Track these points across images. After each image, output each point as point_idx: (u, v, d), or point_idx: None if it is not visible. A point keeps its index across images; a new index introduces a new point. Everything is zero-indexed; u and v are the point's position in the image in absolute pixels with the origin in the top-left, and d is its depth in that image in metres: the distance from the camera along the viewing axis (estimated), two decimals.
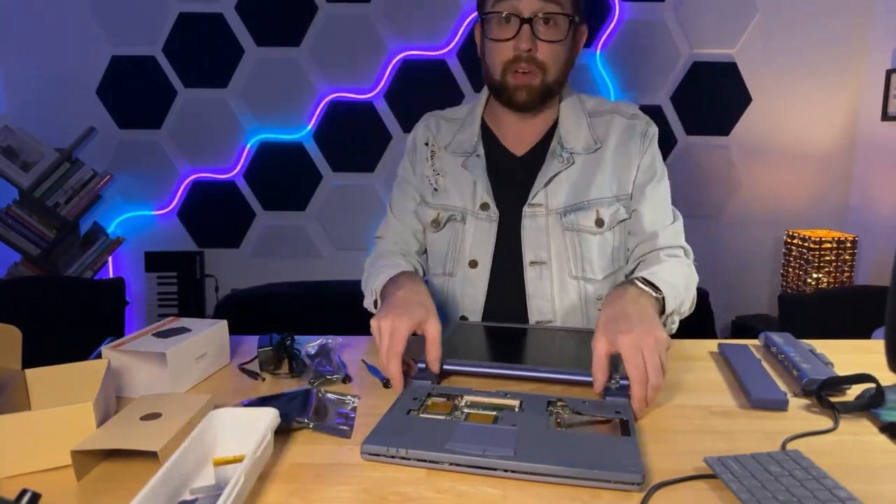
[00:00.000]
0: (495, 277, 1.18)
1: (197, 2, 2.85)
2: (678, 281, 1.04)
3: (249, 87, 2.92)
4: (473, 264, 1.19)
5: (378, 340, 0.92)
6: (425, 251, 1.29)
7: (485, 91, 1.24)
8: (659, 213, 1.17)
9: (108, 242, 2.92)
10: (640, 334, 0.82)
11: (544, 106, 1.16)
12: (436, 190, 1.23)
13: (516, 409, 0.80)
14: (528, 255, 1.16)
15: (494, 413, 0.79)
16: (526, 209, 1.16)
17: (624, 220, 1.18)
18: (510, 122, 1.20)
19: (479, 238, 1.18)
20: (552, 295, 1.16)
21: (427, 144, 1.26)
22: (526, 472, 0.67)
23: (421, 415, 0.79)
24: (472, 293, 1.19)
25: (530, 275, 1.16)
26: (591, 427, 0.76)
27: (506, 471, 0.67)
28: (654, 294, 0.95)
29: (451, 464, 0.68)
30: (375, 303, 1.12)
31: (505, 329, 1.13)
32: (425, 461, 0.69)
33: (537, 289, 1.16)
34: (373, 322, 0.94)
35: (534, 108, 1.14)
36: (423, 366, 0.93)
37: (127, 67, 2.90)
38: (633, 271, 1.17)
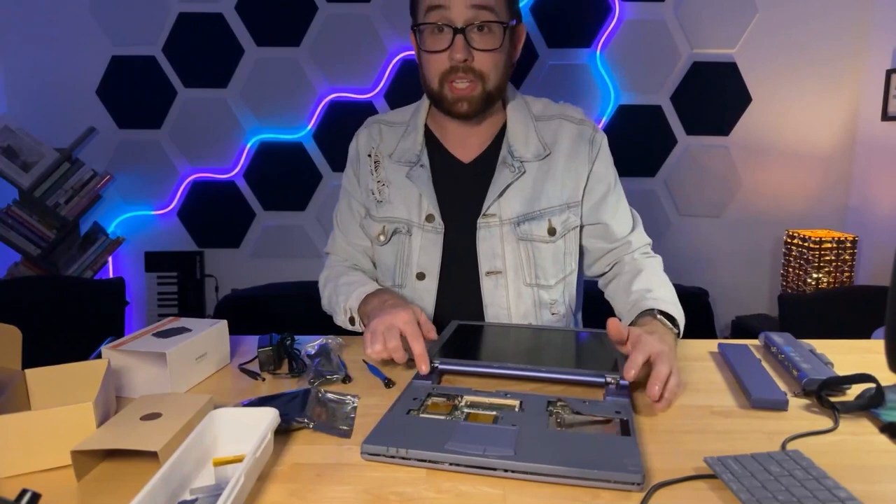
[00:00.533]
0: (445, 287, 1.17)
1: (197, 2, 2.85)
2: (673, 295, 1.10)
3: (249, 87, 2.92)
4: (421, 276, 1.18)
5: (380, 329, 0.94)
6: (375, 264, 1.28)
7: (426, 96, 1.21)
8: (624, 219, 1.21)
9: (108, 242, 2.92)
10: (671, 359, 0.86)
11: (487, 113, 1.15)
12: (380, 202, 1.21)
13: (516, 409, 0.80)
14: (483, 265, 1.15)
15: (494, 413, 0.79)
16: (480, 221, 1.15)
17: (575, 227, 1.19)
18: (454, 129, 1.18)
19: (426, 250, 1.17)
20: (508, 303, 1.16)
21: (370, 155, 1.24)
22: (526, 472, 0.67)
23: (421, 415, 0.79)
24: (420, 305, 1.17)
25: (486, 284, 1.16)
26: (591, 427, 0.76)
27: (506, 470, 0.67)
28: (673, 330, 1.01)
29: (451, 464, 0.68)
30: (352, 320, 1.14)
31: (503, 328, 1.13)
32: (425, 461, 0.69)
33: (493, 297, 1.16)
34: (376, 323, 0.95)
35: (476, 116, 1.12)
36: (419, 381, 0.92)
37: (127, 67, 2.90)
38: (606, 273, 1.22)
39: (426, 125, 1.21)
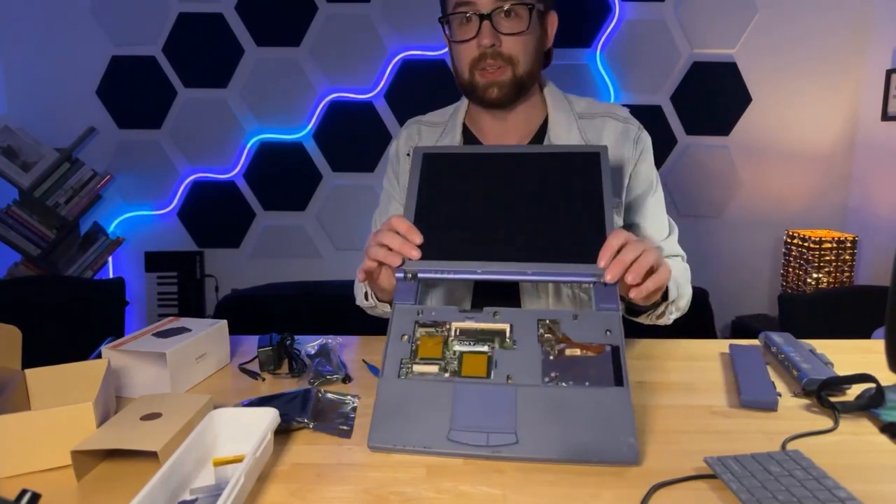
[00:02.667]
0: (479, 286, 1.16)
1: (197, 2, 2.85)
2: (679, 275, 1.08)
3: (249, 87, 2.92)
4: None
5: (372, 242, 0.91)
6: None
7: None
8: (658, 225, 1.18)
9: (108, 242, 2.92)
10: (649, 246, 0.85)
11: (520, 101, 1.13)
12: None
13: (507, 335, 0.79)
14: None
15: (486, 350, 0.78)
16: None
17: (616, 227, 1.17)
18: (490, 123, 1.17)
19: None
20: (548, 304, 1.16)
21: (409, 154, 1.23)
22: (526, 459, 0.69)
23: (415, 370, 0.77)
24: (455, 303, 1.15)
25: (525, 285, 1.15)
26: (583, 354, 0.76)
27: (508, 455, 0.70)
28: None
29: (456, 452, 0.71)
30: (367, 294, 1.13)
31: (477, 160, 1.00)
32: (432, 452, 0.71)
33: (532, 298, 1.15)
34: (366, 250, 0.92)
35: (508, 103, 1.11)
36: (401, 275, 0.87)
37: (127, 67, 2.89)
38: None
39: (464, 124, 1.22)
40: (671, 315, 1.08)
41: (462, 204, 0.94)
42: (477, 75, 1.09)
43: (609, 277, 0.82)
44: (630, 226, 1.18)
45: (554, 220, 0.90)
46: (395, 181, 1.28)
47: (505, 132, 1.17)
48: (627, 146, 1.15)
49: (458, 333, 0.81)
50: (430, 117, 1.27)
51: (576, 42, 2.86)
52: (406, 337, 0.81)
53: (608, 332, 0.78)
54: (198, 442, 0.68)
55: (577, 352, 0.77)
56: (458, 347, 0.80)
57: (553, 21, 1.15)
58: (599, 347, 0.77)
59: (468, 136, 1.20)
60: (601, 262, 0.83)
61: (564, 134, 1.15)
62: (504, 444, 0.70)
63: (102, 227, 2.99)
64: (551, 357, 0.76)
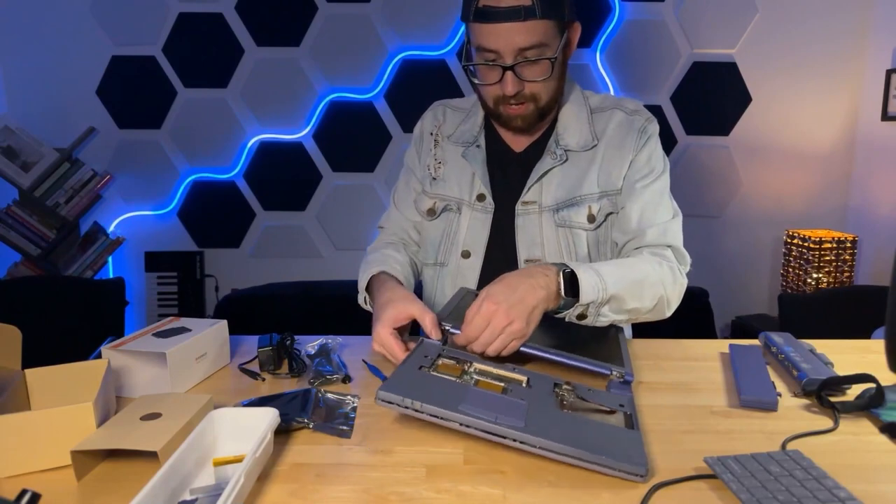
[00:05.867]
0: (487, 269, 1.18)
1: (197, 2, 2.85)
2: (631, 275, 1.02)
3: (249, 87, 2.92)
4: (466, 255, 1.19)
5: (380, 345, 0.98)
6: None
7: None
8: (649, 211, 1.14)
9: (108, 242, 2.92)
10: (503, 310, 0.88)
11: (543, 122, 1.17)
12: (434, 179, 1.24)
13: (523, 385, 0.82)
14: (522, 252, 1.16)
15: (503, 384, 0.80)
16: (519, 207, 1.16)
17: (610, 213, 1.17)
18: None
19: (474, 229, 1.19)
20: (543, 254, 1.16)
21: (432, 134, 1.27)
22: (534, 446, 0.68)
23: (432, 372, 0.81)
24: (463, 283, 1.19)
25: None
26: (596, 415, 0.77)
27: (514, 440, 0.69)
28: (558, 280, 0.96)
29: (462, 424, 0.70)
30: (365, 299, 1.17)
31: None
32: (438, 417, 0.71)
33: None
34: (374, 335, 0.99)
35: (531, 129, 1.16)
36: (429, 340, 0.94)
37: (127, 67, 2.89)
38: None
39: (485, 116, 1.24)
40: (602, 318, 1.02)
41: None
42: (501, 108, 1.12)
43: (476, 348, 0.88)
44: (622, 209, 1.16)
45: (577, 340, 1.01)
46: (416, 159, 1.30)
47: (520, 132, 1.19)
48: (630, 136, 1.16)
49: (477, 371, 0.83)
50: (456, 102, 1.31)
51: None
52: (428, 357, 0.84)
53: (621, 405, 0.81)
54: (198, 442, 0.68)
55: (591, 405, 0.80)
56: (475, 376, 0.82)
57: (576, 30, 1.14)
58: (613, 410, 0.79)
59: (488, 124, 1.23)
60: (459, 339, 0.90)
61: (573, 128, 1.17)
62: (512, 426, 0.69)
63: (102, 227, 2.99)
64: (564, 403, 0.79)
